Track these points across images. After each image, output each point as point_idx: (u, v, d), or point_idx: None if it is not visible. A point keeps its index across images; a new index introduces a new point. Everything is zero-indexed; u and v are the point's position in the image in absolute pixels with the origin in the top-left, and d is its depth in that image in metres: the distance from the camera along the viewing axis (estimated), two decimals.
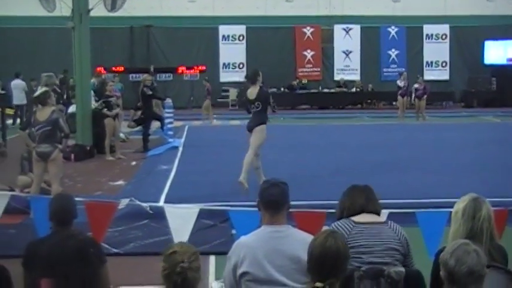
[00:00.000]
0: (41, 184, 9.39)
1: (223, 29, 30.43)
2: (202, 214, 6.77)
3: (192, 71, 28.61)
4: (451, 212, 4.02)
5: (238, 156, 11.40)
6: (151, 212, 7.92)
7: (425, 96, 23.61)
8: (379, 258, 4.02)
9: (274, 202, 4.04)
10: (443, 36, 31.34)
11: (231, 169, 12.13)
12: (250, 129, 10.46)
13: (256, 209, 4.32)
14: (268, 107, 10.63)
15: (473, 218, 3.80)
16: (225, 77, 30.49)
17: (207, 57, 29.83)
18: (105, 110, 15.09)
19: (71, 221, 4.61)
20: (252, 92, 10.40)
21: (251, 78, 10.72)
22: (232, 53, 30.51)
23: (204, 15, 29.63)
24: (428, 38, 31.36)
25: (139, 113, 17.58)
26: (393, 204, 8.35)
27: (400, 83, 23.76)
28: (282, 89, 30.03)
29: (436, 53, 31.33)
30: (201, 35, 30.13)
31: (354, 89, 30.44)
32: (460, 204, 3.90)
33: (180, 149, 15.83)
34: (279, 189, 4.07)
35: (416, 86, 23.66)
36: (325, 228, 4.21)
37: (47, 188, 9.52)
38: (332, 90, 30.37)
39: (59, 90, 19.46)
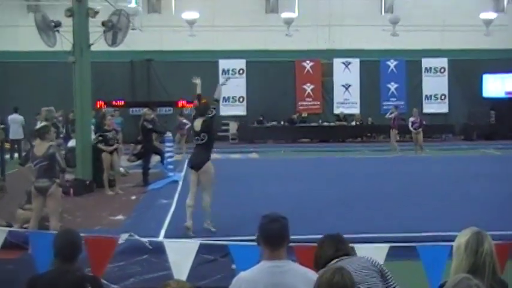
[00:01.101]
0: (39, 219, 9.34)
1: (223, 63, 30.61)
2: (202, 249, 6.73)
3: (192, 105, 28.66)
4: (452, 245, 3.99)
5: (239, 190, 11.42)
6: (151, 247, 7.86)
7: (421, 129, 23.66)
8: (356, 278, 4.01)
9: (274, 237, 4.01)
10: (442, 70, 31.53)
11: (232, 202, 12.10)
12: (196, 167, 10.01)
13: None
14: (213, 140, 10.15)
15: (476, 253, 3.75)
16: (225, 110, 30.53)
17: (207, 91, 29.78)
18: (102, 144, 15.00)
19: (76, 256, 4.56)
20: (197, 124, 10.11)
21: (200, 111, 10.33)
22: (233, 87, 30.57)
23: (204, 49, 29.83)
24: (427, 71, 31.55)
25: (139, 147, 17.59)
26: (394, 238, 8.33)
27: (389, 116, 24.39)
28: (282, 123, 30.14)
29: (435, 86, 31.48)
30: (201, 68, 30.14)
31: (353, 123, 30.52)
32: (462, 238, 3.85)
33: (180, 182, 15.76)
34: (279, 225, 4.03)
35: (412, 119, 23.81)
36: None
37: (46, 224, 9.47)
38: (332, 124, 30.46)
39: (59, 125, 19.52)
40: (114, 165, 15.09)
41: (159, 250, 7.24)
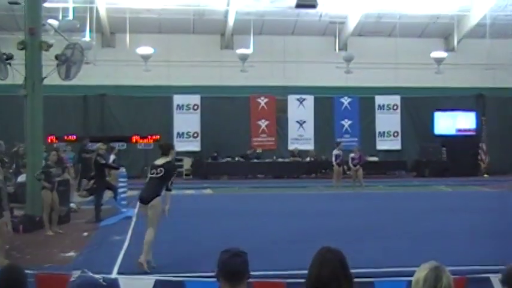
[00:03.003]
0: None
1: (178, 98, 30.54)
2: (157, 285, 6.58)
3: (146, 140, 28.58)
4: (408, 280, 3.96)
5: (193, 226, 11.28)
6: (104, 283, 7.65)
7: (359, 166, 23.92)
8: None
9: (236, 273, 3.92)
10: (395, 107, 32.04)
11: (187, 238, 11.96)
12: (144, 201, 9.79)
13: (212, 279, 4.18)
14: (168, 180, 9.88)
15: None
16: (179, 146, 30.27)
17: (162, 126, 29.82)
18: (42, 181, 14.38)
19: None
20: (160, 161, 9.96)
21: (164, 150, 10.18)
22: (187, 122, 30.56)
23: (158, 84, 29.80)
24: (380, 109, 32.02)
25: (91, 182, 17.27)
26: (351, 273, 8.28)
27: (336, 152, 24.43)
28: (237, 159, 30.08)
29: (388, 123, 31.93)
30: (155, 104, 30.21)
31: (308, 159, 30.65)
32: (421, 272, 3.82)
33: (134, 218, 15.53)
34: (241, 260, 3.96)
35: (352, 155, 24.06)
36: None
37: None
38: (286, 160, 30.53)
39: (5, 159, 19.07)
40: (54, 204, 14.39)
41: (112, 287, 7.06)
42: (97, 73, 27.93)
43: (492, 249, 10.84)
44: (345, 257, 3.80)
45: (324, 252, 3.84)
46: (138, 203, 9.96)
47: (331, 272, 3.74)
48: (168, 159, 9.95)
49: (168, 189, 9.81)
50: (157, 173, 9.76)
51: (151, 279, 6.36)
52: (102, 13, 28.64)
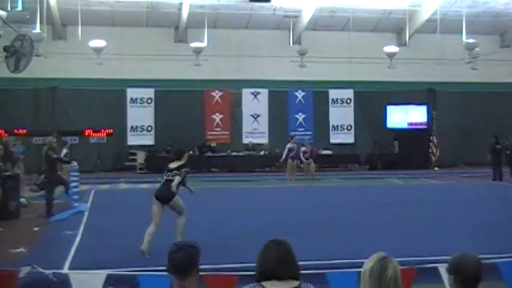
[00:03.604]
0: None
1: (131, 92, 30.26)
2: (109, 280, 6.52)
3: (99, 134, 28.29)
4: (360, 271, 4.00)
5: (147, 220, 11.18)
6: (55, 279, 7.55)
7: (311, 159, 24.28)
8: None
9: (178, 267, 3.94)
10: (348, 101, 32.33)
11: (140, 233, 11.86)
12: (165, 200, 10.58)
13: (165, 273, 4.19)
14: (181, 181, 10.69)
15: (380, 278, 3.75)
16: (132, 140, 30.19)
17: (115, 120, 29.52)
18: None
19: None
20: (174, 164, 10.75)
21: (177, 155, 11.02)
22: (141, 116, 30.30)
23: (111, 77, 29.44)
24: (334, 102, 32.27)
25: (42, 176, 17.02)
26: (304, 265, 8.35)
27: (290, 145, 24.74)
28: (191, 152, 29.91)
29: (342, 117, 32.18)
30: (108, 97, 29.87)
31: (262, 152, 30.73)
32: (368, 264, 3.86)
33: (86, 213, 15.41)
34: (185, 253, 3.95)
35: (303, 149, 24.39)
36: None
37: None
38: (240, 154, 30.55)
39: None
40: None
41: (63, 283, 6.96)
42: (48, 66, 27.45)
43: (442, 239, 11.07)
44: (290, 245, 3.88)
45: (269, 242, 3.92)
46: (155, 201, 10.55)
47: (275, 258, 3.81)
48: (181, 162, 10.75)
49: (183, 184, 10.79)
50: (173, 175, 10.56)
51: (103, 273, 6.30)
52: (53, 4, 28.16)
